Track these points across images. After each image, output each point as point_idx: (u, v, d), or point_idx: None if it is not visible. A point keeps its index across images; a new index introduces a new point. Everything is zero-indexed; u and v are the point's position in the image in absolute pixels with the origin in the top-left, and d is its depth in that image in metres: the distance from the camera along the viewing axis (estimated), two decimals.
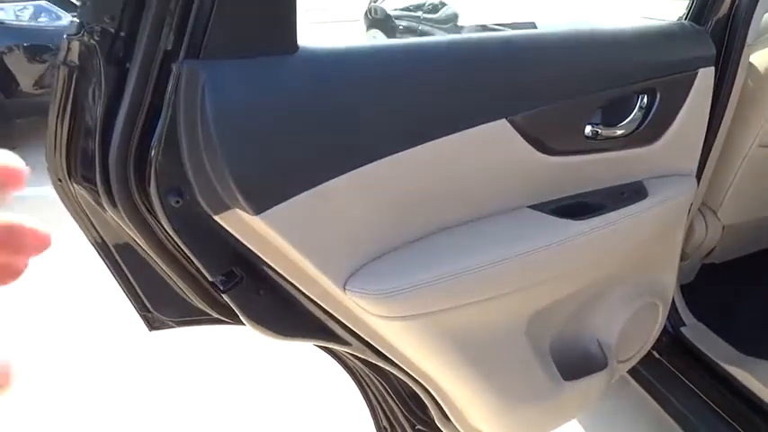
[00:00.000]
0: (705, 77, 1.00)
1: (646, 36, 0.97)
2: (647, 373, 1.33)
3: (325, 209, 0.66)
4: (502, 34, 0.84)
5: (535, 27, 2.04)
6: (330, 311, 0.77)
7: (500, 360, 0.92)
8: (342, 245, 0.70)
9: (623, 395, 1.57)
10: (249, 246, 0.66)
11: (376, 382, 1.01)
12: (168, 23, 0.57)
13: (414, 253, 0.76)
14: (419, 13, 3.34)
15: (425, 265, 0.74)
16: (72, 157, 0.66)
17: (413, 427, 1.06)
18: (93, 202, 0.69)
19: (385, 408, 1.07)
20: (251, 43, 0.60)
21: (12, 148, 0.27)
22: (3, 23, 3.80)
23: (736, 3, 1.05)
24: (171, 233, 0.62)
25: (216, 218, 0.62)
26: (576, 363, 1.05)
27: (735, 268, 1.62)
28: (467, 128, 0.74)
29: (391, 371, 0.90)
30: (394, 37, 3.69)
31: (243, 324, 0.74)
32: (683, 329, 1.37)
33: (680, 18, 1.06)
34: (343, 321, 0.78)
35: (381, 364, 0.87)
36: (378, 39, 3.89)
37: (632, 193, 0.96)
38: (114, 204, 0.64)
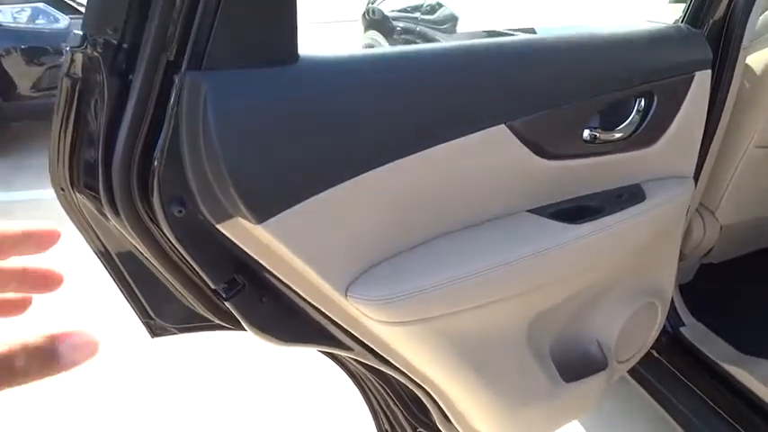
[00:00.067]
0: (702, 80, 1.00)
1: (643, 40, 0.98)
2: (647, 372, 1.34)
3: (326, 216, 0.67)
4: (500, 40, 0.84)
5: (534, 32, 2.04)
6: (332, 317, 0.77)
7: (501, 363, 0.93)
8: (343, 251, 0.71)
9: (623, 395, 1.58)
10: (251, 253, 0.67)
11: (377, 385, 1.01)
12: (171, 35, 0.58)
13: (414, 259, 0.76)
14: (417, 15, 3.34)
15: (426, 270, 0.75)
16: (75, 167, 0.66)
17: (414, 429, 1.06)
18: (95, 212, 0.70)
19: (386, 410, 1.08)
20: (252, 54, 0.60)
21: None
22: (0, 26, 3.79)
23: (732, 5, 1.06)
24: (174, 242, 0.63)
25: (218, 227, 0.63)
26: (575, 364, 1.06)
27: (733, 268, 1.63)
28: (466, 134, 0.74)
29: (393, 375, 0.90)
30: (392, 37, 3.69)
31: (245, 330, 0.74)
32: (682, 329, 1.38)
33: (676, 21, 1.07)
34: (345, 327, 0.79)
35: (383, 368, 0.88)
36: (376, 39, 3.89)
37: (630, 195, 0.97)
38: (117, 213, 0.64)
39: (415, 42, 3.37)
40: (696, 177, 1.15)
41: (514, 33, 2.12)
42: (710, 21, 1.05)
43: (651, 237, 1.03)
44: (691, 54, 1.00)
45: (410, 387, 0.93)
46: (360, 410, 1.14)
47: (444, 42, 0.95)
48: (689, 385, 1.30)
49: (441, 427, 1.02)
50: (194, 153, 0.58)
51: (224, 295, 0.68)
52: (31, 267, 0.36)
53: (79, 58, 0.60)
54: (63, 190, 0.69)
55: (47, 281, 0.37)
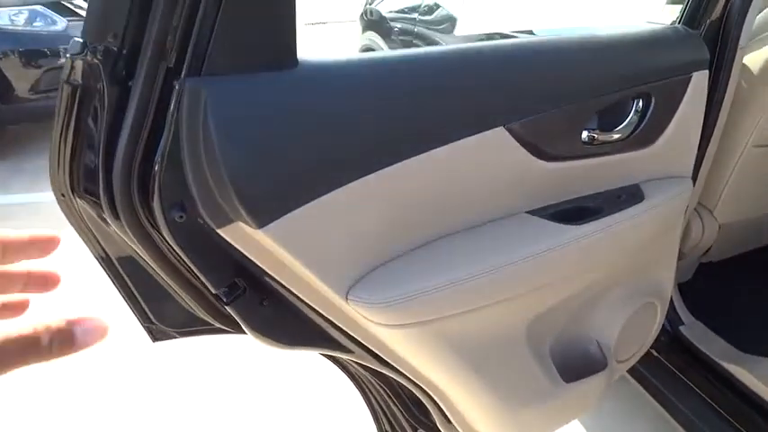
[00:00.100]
0: (699, 81, 1.01)
1: (640, 41, 0.98)
2: (647, 372, 1.35)
3: (326, 220, 0.67)
4: (497, 42, 0.84)
5: (532, 34, 2.04)
6: (332, 320, 0.77)
7: (501, 364, 0.93)
8: (343, 255, 0.71)
9: (623, 395, 1.59)
10: (252, 258, 0.67)
11: (378, 386, 1.02)
12: (170, 41, 0.58)
13: (414, 261, 0.76)
14: (414, 15, 3.34)
15: (426, 273, 0.75)
16: (75, 173, 0.67)
17: (414, 430, 1.07)
18: (96, 217, 0.70)
19: (387, 411, 1.08)
20: (252, 59, 0.60)
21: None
22: None
23: (729, 6, 1.06)
24: (174, 247, 0.63)
25: (219, 231, 0.63)
26: (575, 364, 1.06)
27: (732, 266, 1.64)
28: (465, 137, 0.75)
29: (393, 377, 0.90)
30: (389, 38, 3.69)
31: (246, 333, 0.74)
32: (681, 328, 1.39)
33: (673, 22, 1.07)
34: (346, 330, 0.79)
35: (383, 370, 0.88)
36: (374, 40, 3.89)
37: (629, 196, 0.97)
38: (118, 218, 0.64)
39: (413, 43, 3.37)
40: (694, 177, 1.15)
41: (512, 35, 2.12)
42: (707, 21, 1.06)
43: (650, 237, 1.03)
44: (688, 55, 1.01)
45: (410, 388, 0.94)
46: (360, 412, 1.15)
47: (442, 45, 0.94)
48: (689, 384, 1.30)
49: (441, 428, 1.02)
50: (195, 158, 0.58)
51: (225, 299, 0.69)
52: (34, 270, 0.41)
53: (79, 64, 0.60)
54: (63, 196, 0.69)
55: (47, 281, 0.42)
